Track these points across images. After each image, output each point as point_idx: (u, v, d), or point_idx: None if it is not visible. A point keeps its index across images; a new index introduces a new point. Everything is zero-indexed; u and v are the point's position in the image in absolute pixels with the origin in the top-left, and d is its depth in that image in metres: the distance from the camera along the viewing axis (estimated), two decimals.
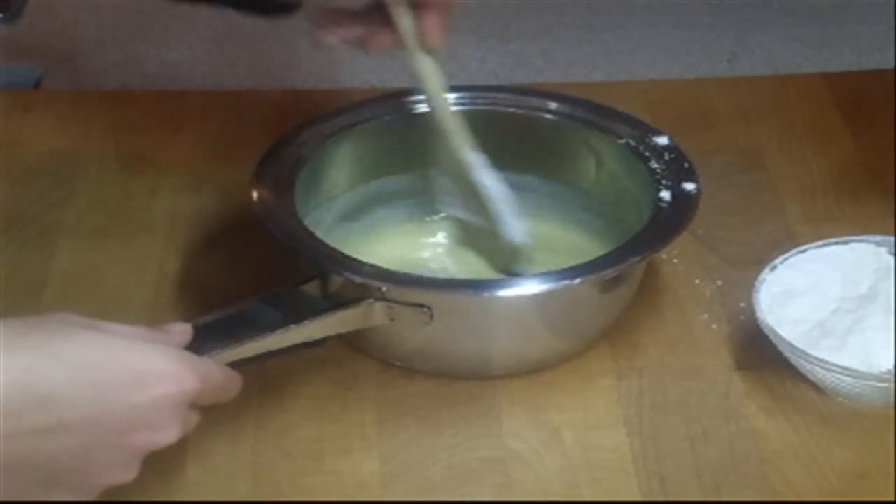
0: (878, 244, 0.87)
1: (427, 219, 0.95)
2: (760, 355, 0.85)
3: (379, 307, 0.80)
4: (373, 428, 0.81)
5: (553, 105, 0.94)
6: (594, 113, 0.93)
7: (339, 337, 0.83)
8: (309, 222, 0.85)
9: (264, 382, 0.83)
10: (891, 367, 0.80)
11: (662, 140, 0.90)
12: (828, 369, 0.79)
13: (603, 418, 0.81)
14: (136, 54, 1.35)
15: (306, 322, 0.79)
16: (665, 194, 0.86)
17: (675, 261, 0.93)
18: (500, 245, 0.88)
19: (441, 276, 0.91)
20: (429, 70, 0.86)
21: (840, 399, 0.82)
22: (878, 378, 0.79)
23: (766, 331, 0.81)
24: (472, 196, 0.88)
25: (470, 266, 0.92)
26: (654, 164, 0.89)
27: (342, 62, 1.63)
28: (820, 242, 0.87)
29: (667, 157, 0.89)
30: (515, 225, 0.87)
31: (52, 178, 1.02)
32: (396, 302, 0.79)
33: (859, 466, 0.78)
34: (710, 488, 0.77)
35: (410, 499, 0.76)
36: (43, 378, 0.62)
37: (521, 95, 0.96)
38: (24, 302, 0.90)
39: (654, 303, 0.90)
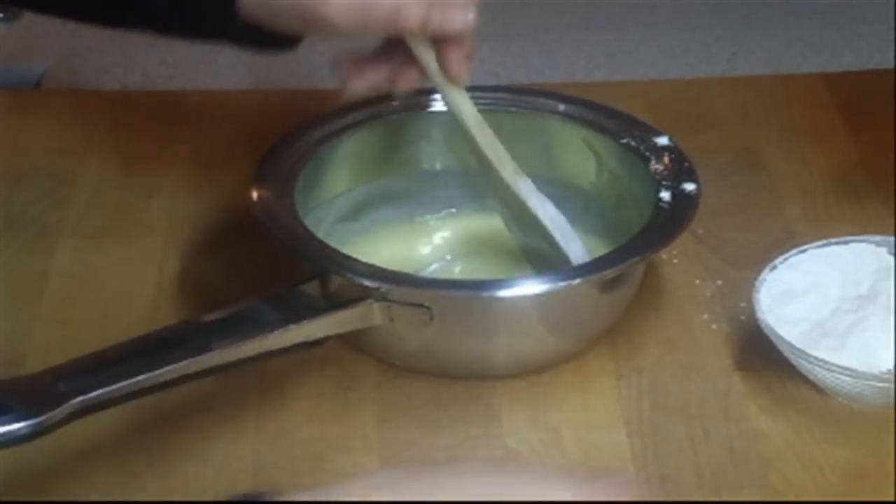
0: (877, 244, 0.87)
1: (427, 219, 0.95)
2: (760, 355, 0.85)
3: (378, 307, 0.79)
4: (373, 428, 0.81)
5: (553, 105, 0.94)
6: (594, 113, 0.93)
7: (339, 337, 0.83)
8: (309, 222, 0.85)
9: (264, 382, 0.83)
10: (891, 367, 0.80)
11: (662, 140, 0.90)
12: (828, 369, 0.79)
13: (603, 418, 0.81)
14: (136, 54, 1.35)
15: (306, 322, 0.79)
16: (665, 194, 0.86)
17: (675, 261, 0.93)
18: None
19: (441, 276, 0.91)
20: (460, 102, 0.85)
21: (840, 399, 0.82)
22: (878, 378, 0.79)
23: (766, 331, 0.81)
24: (529, 223, 0.87)
25: (470, 266, 0.92)
26: (654, 165, 0.89)
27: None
28: (820, 242, 0.87)
29: (667, 157, 0.89)
30: (576, 248, 0.86)
31: (52, 178, 1.02)
32: (396, 302, 0.79)
33: (859, 466, 0.78)
34: (710, 488, 0.77)
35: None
36: None
37: (521, 95, 0.96)
38: (24, 302, 0.90)
39: (654, 303, 0.90)
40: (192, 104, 1.12)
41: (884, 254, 0.86)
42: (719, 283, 0.91)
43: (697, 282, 0.92)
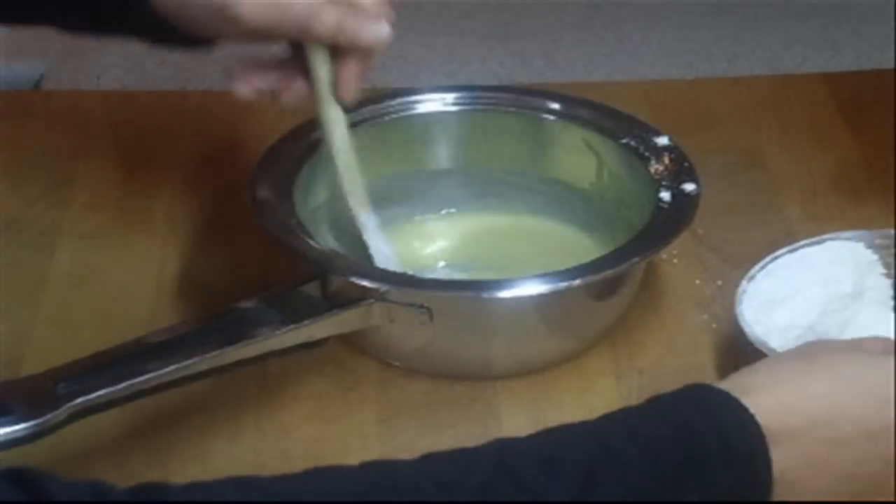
0: (851, 240, 0.86)
1: (427, 219, 0.95)
2: (760, 355, 0.85)
3: (379, 308, 0.79)
4: (373, 428, 0.81)
5: (553, 105, 0.94)
6: (594, 113, 0.93)
7: (339, 337, 0.83)
8: (309, 222, 0.85)
9: (264, 382, 0.83)
10: None
11: (662, 140, 0.90)
12: None
13: None
14: (136, 54, 1.35)
15: (306, 322, 0.79)
16: (665, 194, 0.86)
17: (675, 261, 0.93)
18: None
19: (441, 276, 0.91)
20: (337, 122, 0.83)
21: None
22: None
23: (756, 344, 0.81)
24: (363, 254, 0.86)
25: (470, 266, 0.92)
26: (654, 165, 0.89)
27: None
28: (792, 246, 0.87)
29: (667, 157, 0.89)
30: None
31: (52, 178, 1.02)
32: (396, 302, 0.79)
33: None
34: None
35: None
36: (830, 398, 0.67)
37: (521, 95, 0.96)
38: (24, 302, 0.90)
39: (654, 303, 0.90)
40: (192, 104, 1.12)
41: (860, 249, 0.86)
42: (719, 283, 0.91)
43: (697, 282, 0.92)
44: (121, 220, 0.99)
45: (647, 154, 0.90)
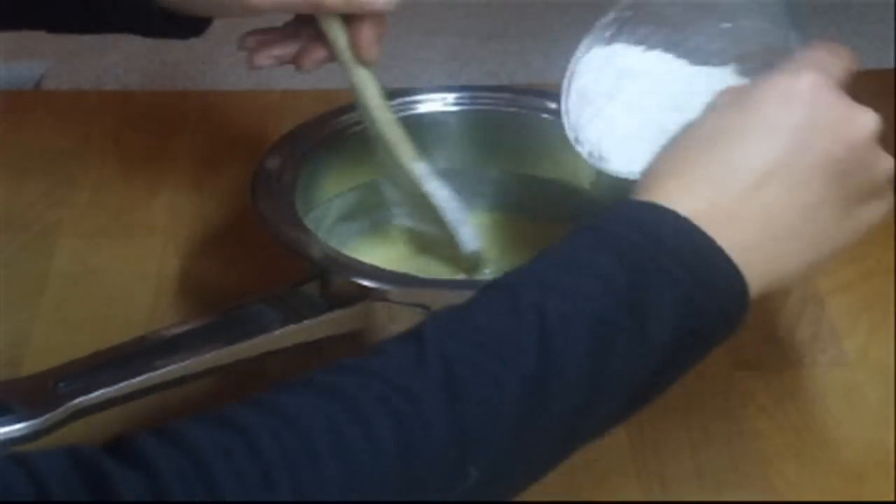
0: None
1: None
2: (760, 355, 0.85)
3: (379, 307, 0.79)
4: None
5: (553, 105, 0.94)
6: None
7: (339, 337, 0.83)
8: (309, 222, 0.85)
9: (264, 382, 0.83)
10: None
11: None
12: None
13: None
14: (136, 54, 1.35)
15: (306, 322, 0.79)
16: None
17: None
18: (457, 253, 0.88)
19: (441, 276, 0.91)
20: (366, 83, 0.83)
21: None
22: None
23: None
24: (423, 206, 0.86)
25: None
26: None
27: None
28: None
29: None
30: (467, 232, 0.86)
31: (52, 178, 1.02)
32: (396, 302, 0.79)
33: (859, 466, 0.78)
34: (710, 488, 0.77)
35: None
36: None
37: (521, 95, 0.96)
38: (24, 302, 0.90)
39: None
40: (192, 104, 1.12)
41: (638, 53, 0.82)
42: None
43: None
44: (121, 220, 0.99)
45: None
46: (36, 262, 0.94)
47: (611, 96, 0.80)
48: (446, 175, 0.95)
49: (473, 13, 1.83)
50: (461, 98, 0.94)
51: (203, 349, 0.75)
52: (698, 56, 0.80)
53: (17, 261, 0.94)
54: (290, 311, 0.79)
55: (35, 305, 0.90)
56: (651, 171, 0.68)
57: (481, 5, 1.84)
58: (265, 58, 0.84)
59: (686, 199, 0.64)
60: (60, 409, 0.70)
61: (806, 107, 0.66)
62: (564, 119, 0.81)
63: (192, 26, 0.85)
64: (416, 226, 0.88)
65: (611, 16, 0.81)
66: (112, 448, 0.54)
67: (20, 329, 0.88)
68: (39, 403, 0.70)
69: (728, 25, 0.79)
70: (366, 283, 0.79)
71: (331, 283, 0.81)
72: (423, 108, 0.94)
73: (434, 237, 0.87)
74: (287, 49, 0.84)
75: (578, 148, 0.80)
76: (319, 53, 0.83)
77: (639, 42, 0.81)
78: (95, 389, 0.72)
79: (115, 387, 0.72)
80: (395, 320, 0.80)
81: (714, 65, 0.79)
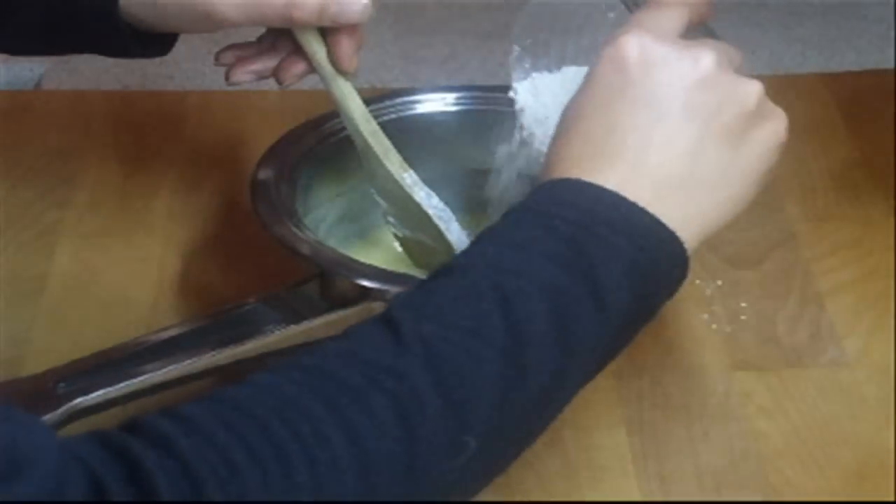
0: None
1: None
2: (760, 355, 0.85)
3: (379, 308, 0.79)
4: None
5: None
6: None
7: None
8: (309, 222, 0.85)
9: None
10: None
11: None
12: None
13: (603, 418, 0.81)
14: None
15: (306, 322, 0.79)
16: None
17: None
18: (448, 259, 0.87)
19: None
20: (348, 94, 0.83)
21: None
22: None
23: None
24: (412, 215, 0.86)
25: None
26: None
27: None
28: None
29: None
30: (459, 239, 0.86)
31: (52, 178, 1.02)
32: None
33: (859, 466, 0.78)
34: (710, 488, 0.77)
35: None
36: None
37: None
38: (24, 302, 0.90)
39: None
40: (192, 104, 1.12)
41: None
42: (719, 283, 0.91)
43: (697, 282, 0.92)
44: (121, 220, 0.99)
45: None
46: (36, 262, 0.94)
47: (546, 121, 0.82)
48: (446, 175, 0.95)
49: (473, 13, 1.83)
50: (461, 98, 0.94)
51: (203, 349, 0.75)
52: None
53: (17, 261, 0.94)
54: (289, 312, 0.79)
55: (35, 305, 0.90)
56: (550, 162, 0.70)
57: (481, 5, 1.84)
58: (243, 73, 0.85)
59: (590, 176, 0.67)
60: (60, 410, 0.70)
61: (636, 66, 0.68)
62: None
63: (160, 44, 0.85)
64: (407, 234, 0.88)
65: (516, 52, 0.83)
66: (129, 430, 0.55)
67: (20, 329, 0.88)
68: (39, 404, 0.70)
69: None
70: (366, 283, 0.79)
71: (331, 283, 0.81)
72: (423, 108, 0.94)
73: (425, 245, 0.87)
74: (265, 64, 0.84)
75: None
76: (299, 67, 0.84)
77: (556, 64, 0.83)
78: (95, 389, 0.72)
79: (115, 387, 0.72)
80: None
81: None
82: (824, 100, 1.11)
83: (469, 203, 0.95)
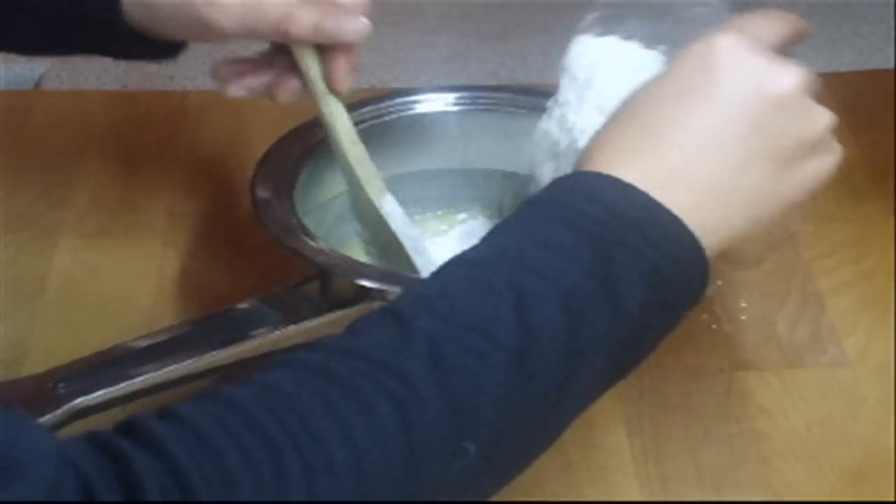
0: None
1: (426, 219, 0.95)
2: (760, 355, 0.85)
3: (378, 307, 0.79)
4: None
5: None
6: None
7: None
8: (309, 222, 0.85)
9: None
10: None
11: None
12: None
13: (603, 418, 0.81)
14: None
15: (306, 322, 0.79)
16: None
17: None
18: None
19: None
20: (337, 115, 0.83)
21: None
22: None
23: None
24: (388, 244, 0.85)
25: None
26: None
27: None
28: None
29: None
30: (427, 271, 0.86)
31: (52, 178, 1.02)
32: None
33: (859, 466, 0.78)
34: (710, 488, 0.77)
35: None
36: None
37: (521, 95, 0.96)
38: (24, 302, 0.90)
39: None
40: (192, 104, 1.12)
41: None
42: (719, 283, 0.91)
43: None
44: (121, 220, 0.99)
45: None
46: (36, 262, 0.94)
47: (588, 86, 0.81)
48: (446, 175, 0.95)
49: (473, 13, 1.83)
50: (461, 98, 0.94)
51: (203, 349, 0.75)
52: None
53: (17, 261, 0.94)
54: (289, 312, 0.79)
55: (35, 305, 0.90)
56: (594, 145, 0.69)
57: (481, 5, 1.84)
58: (239, 88, 0.84)
59: (631, 169, 0.65)
60: (60, 410, 0.70)
61: (722, 68, 0.67)
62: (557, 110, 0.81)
63: (166, 49, 0.85)
64: (374, 255, 0.88)
65: (596, 14, 0.82)
66: (123, 431, 0.55)
67: (20, 329, 0.88)
68: (39, 403, 0.70)
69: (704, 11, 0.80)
70: (366, 283, 0.79)
71: (331, 283, 0.81)
72: (423, 108, 0.94)
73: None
74: (261, 79, 0.84)
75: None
76: (294, 84, 0.83)
77: (627, 37, 0.81)
78: (95, 389, 0.72)
79: (115, 387, 0.72)
80: None
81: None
82: (824, 100, 1.11)
83: (469, 203, 0.95)
